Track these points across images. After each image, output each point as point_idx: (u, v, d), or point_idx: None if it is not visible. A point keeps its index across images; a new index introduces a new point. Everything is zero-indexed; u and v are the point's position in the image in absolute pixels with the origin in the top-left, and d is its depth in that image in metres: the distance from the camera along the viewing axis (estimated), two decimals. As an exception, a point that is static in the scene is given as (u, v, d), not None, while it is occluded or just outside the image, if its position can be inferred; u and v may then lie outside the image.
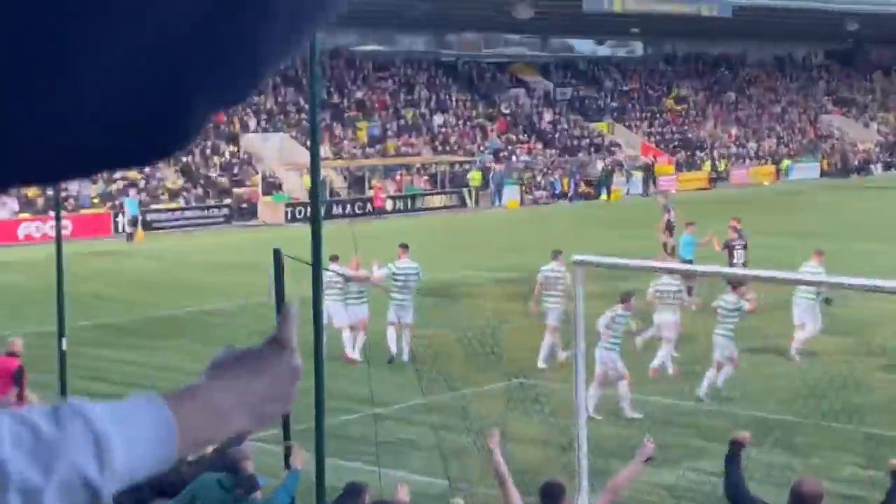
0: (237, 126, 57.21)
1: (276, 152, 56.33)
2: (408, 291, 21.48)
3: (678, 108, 76.08)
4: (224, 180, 52.71)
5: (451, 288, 19.10)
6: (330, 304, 19.95)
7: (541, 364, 18.77)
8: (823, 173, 71.99)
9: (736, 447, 9.72)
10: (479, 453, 14.25)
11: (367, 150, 58.86)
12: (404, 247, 22.63)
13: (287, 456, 11.63)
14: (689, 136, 72.27)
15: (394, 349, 21.19)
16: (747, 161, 71.44)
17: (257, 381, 1.66)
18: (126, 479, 1.50)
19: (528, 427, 14.66)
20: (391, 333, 21.32)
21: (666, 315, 19.92)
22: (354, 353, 21.78)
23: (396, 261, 22.13)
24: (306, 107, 60.06)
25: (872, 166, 74.66)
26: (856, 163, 73.84)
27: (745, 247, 26.91)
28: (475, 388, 15.37)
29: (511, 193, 56.86)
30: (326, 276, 22.74)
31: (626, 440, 14.16)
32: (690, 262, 25.49)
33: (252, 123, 57.83)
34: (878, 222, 43.70)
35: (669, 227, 34.00)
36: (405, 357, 20.89)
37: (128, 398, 1.59)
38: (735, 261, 26.44)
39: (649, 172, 62.99)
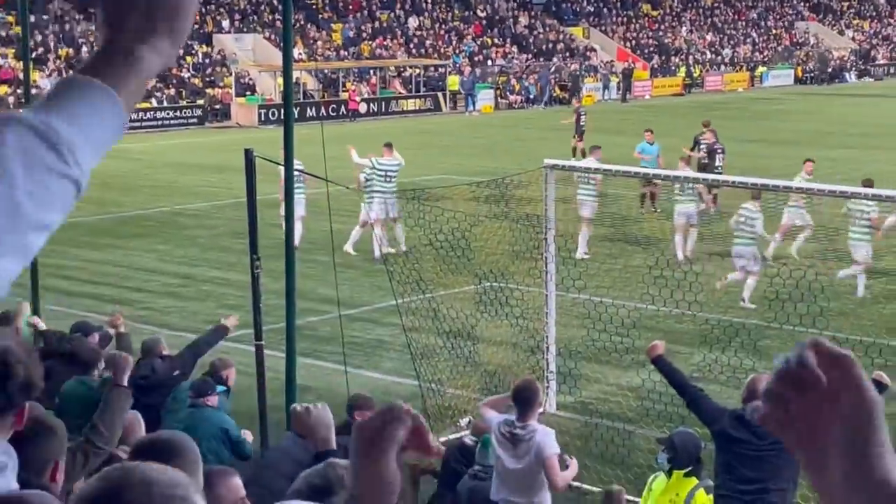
0: (210, 26, 56.61)
1: (250, 53, 55.85)
2: (391, 184, 22.52)
3: (654, 13, 75.64)
4: (197, 81, 52.28)
5: (425, 190, 19.13)
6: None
7: (580, 255, 20.31)
8: (798, 80, 71.93)
9: (655, 362, 9.85)
10: (450, 354, 14.44)
11: (342, 52, 58.41)
12: (388, 146, 23.21)
13: (258, 354, 11.78)
14: (665, 41, 71.95)
15: (377, 252, 21.11)
16: (722, 67, 71.28)
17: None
18: (94, 160, 1.70)
19: (499, 329, 14.83)
20: (378, 232, 21.47)
21: (685, 206, 21.56)
22: (348, 247, 22.49)
23: (380, 158, 23.02)
24: (280, 7, 59.43)
25: (846, 74, 74.60)
26: (829, 70, 73.72)
27: (723, 151, 26.96)
28: (446, 291, 15.50)
29: (486, 98, 56.65)
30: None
31: (594, 342, 14.35)
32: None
33: (225, 24, 57.23)
34: (853, 130, 43.82)
35: (580, 132, 34.96)
36: (396, 249, 20.97)
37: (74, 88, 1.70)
38: (717, 164, 26.53)
39: (627, 78, 62.80)
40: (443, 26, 64.74)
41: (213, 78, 52.92)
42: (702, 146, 27.74)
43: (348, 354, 14.93)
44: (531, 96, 59.14)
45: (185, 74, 52.41)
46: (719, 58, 72.55)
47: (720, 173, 24.47)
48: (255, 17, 58.46)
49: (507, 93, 58.90)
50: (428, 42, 62.11)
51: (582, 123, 35.97)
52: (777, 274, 14.63)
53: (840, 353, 1.45)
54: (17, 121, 1.61)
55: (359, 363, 15.88)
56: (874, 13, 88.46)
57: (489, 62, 62.45)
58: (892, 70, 78.66)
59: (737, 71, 70.90)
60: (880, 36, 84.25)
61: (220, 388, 10.60)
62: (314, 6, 60.88)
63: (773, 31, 79.41)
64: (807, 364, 1.45)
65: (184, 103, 50.15)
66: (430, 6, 66.02)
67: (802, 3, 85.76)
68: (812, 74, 72.41)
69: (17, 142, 1.58)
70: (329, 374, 15.32)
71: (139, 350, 11.60)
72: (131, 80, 1.70)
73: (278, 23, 57.42)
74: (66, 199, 1.66)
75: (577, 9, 72.64)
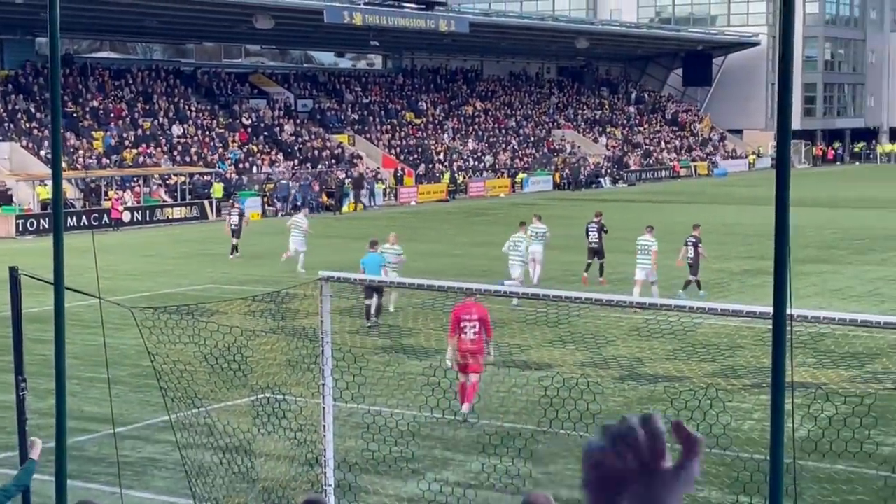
0: (-37, 134, 54.77)
1: (6, 162, 54.23)
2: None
3: (418, 120, 77.18)
4: (-51, 191, 50.40)
5: (196, 301, 18.80)
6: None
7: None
8: (556, 186, 74.34)
9: None
10: (226, 472, 14.12)
11: (104, 160, 57.34)
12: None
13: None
14: (429, 148, 73.41)
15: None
16: (484, 173, 73.09)
17: None
18: None
19: (276, 443, 14.60)
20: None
21: (644, 266, 28.94)
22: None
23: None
24: (37, 115, 58.04)
25: (602, 179, 77.55)
26: (582, 177, 76.35)
27: (603, 230, 33.34)
28: (222, 404, 15.20)
29: (252, 205, 56.46)
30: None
31: (372, 454, 14.29)
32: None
33: (-21, 131, 55.49)
34: (614, 234, 45.26)
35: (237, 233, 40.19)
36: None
37: None
38: (596, 240, 33.24)
39: (358, 187, 63.28)
40: (207, 133, 64.40)
41: (-33, 187, 51.11)
42: (590, 230, 33.17)
43: (119, 475, 14.46)
44: (298, 203, 59.24)
45: (-63, 183, 50.47)
46: (481, 164, 74.42)
47: (598, 246, 32.88)
48: (12, 125, 56.87)
49: (274, 200, 58.86)
50: (193, 149, 61.63)
51: (233, 225, 40.29)
52: (550, 379, 14.92)
53: (695, 437, 1.61)
54: None
55: (129, 483, 15.37)
56: (625, 121, 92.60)
57: (255, 169, 62.41)
58: (643, 175, 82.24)
59: (498, 177, 72.82)
60: (631, 143, 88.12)
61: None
62: (74, 114, 59.68)
63: (532, 139, 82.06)
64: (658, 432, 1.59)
65: (-64, 214, 48.22)
66: (194, 113, 65.63)
67: (558, 112, 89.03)
68: (569, 181, 74.98)
69: None
70: (99, 497, 14.74)
71: None
72: None
73: (36, 130, 56.07)
74: None
75: (342, 116, 73.48)
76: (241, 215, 41.20)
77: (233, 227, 40.11)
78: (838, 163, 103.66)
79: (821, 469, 14.57)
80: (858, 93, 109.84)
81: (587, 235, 33.28)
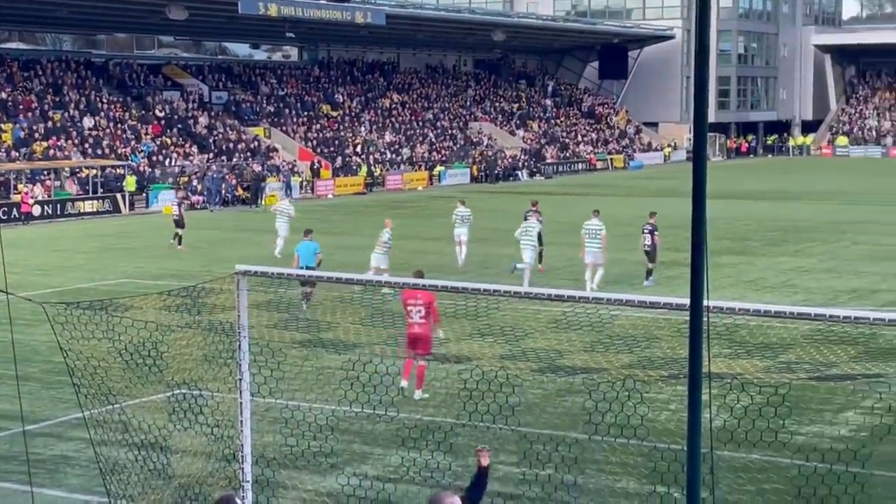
0: None
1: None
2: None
3: (334, 113, 76.83)
4: None
5: (109, 296, 18.52)
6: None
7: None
8: (474, 178, 74.46)
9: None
10: (141, 468, 13.91)
11: (13, 153, 56.33)
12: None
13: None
14: (346, 141, 73.14)
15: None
16: (402, 166, 72.99)
17: None
18: None
19: (192, 439, 14.41)
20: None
21: (592, 249, 29.26)
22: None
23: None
24: (-54, 106, 56.88)
25: (519, 172, 77.78)
26: (499, 170, 76.47)
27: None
28: (136, 400, 14.97)
29: (166, 198, 55.83)
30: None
31: (291, 449, 14.17)
32: (311, 268, 26.25)
33: None
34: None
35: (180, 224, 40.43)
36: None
37: None
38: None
39: (306, 178, 63.36)
40: (119, 126, 63.54)
41: None
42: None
43: (31, 473, 14.21)
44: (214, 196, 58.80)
45: None
46: (399, 157, 74.29)
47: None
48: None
49: (189, 193, 58.26)
50: (105, 142, 60.78)
51: (175, 216, 41.00)
52: (469, 372, 14.89)
53: None
54: None
55: (42, 481, 15.11)
56: (542, 115, 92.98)
57: (168, 162, 61.73)
58: (560, 168, 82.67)
59: (416, 170, 72.76)
60: (549, 136, 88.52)
61: None
62: (-17, 105, 58.61)
63: (449, 132, 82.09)
64: None
65: None
66: (105, 106, 64.71)
67: (475, 104, 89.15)
68: (485, 173, 75.16)
69: None
70: (10, 496, 14.50)
71: None
72: None
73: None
74: None
75: (258, 109, 72.91)
76: (181, 204, 42.44)
77: (174, 217, 40.69)
78: (752, 155, 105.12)
79: (736, 458, 14.73)
80: (771, 86, 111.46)
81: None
